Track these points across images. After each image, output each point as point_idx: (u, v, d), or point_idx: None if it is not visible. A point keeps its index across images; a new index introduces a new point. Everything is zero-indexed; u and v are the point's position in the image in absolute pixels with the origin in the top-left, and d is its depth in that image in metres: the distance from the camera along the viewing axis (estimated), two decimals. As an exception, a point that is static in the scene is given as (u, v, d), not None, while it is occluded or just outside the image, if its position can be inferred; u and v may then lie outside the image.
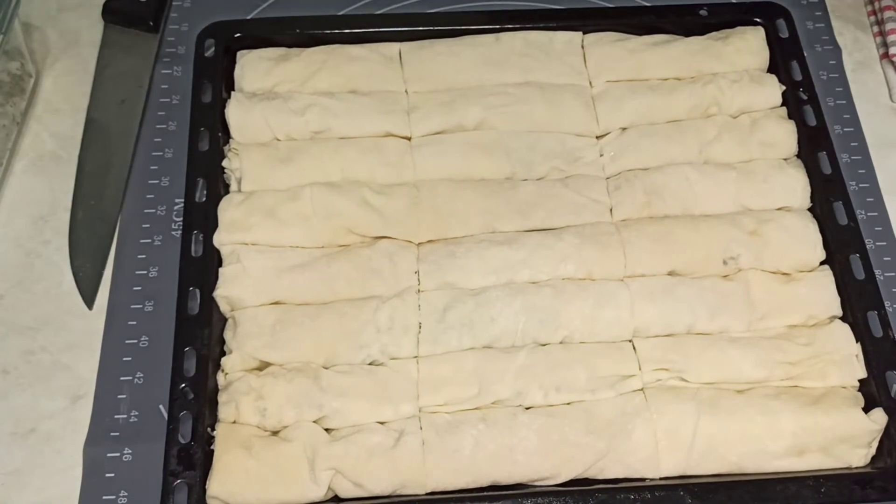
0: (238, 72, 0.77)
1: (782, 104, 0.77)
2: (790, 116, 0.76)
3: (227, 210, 0.70)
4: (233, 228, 0.69)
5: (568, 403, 0.64)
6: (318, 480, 0.61)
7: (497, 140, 0.74)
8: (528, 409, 0.64)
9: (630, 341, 0.67)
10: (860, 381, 0.66)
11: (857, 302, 0.68)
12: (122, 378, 0.68)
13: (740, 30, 0.80)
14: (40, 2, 0.85)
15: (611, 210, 0.72)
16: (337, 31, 0.79)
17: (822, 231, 0.71)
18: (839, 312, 0.68)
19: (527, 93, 0.76)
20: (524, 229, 0.71)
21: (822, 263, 0.71)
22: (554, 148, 0.74)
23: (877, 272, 0.71)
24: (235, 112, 0.74)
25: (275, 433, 0.63)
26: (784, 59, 0.78)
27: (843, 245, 0.70)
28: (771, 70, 0.79)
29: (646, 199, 0.72)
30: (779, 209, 0.72)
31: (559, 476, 0.63)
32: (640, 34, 0.80)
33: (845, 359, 0.66)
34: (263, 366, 0.66)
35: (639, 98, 0.76)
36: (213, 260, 0.69)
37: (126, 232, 0.74)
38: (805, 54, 0.79)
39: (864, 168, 0.78)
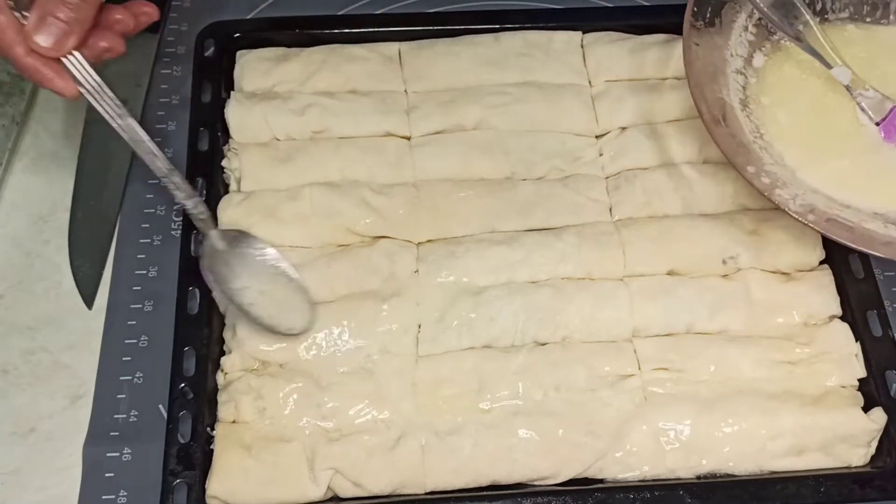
0: (237, 72, 0.77)
1: (782, 103, 0.77)
2: (790, 116, 0.76)
3: (227, 210, 0.70)
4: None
5: (567, 403, 0.64)
6: (318, 480, 0.61)
7: (497, 140, 0.74)
8: (527, 408, 0.64)
9: (629, 341, 0.67)
10: (859, 380, 0.66)
11: (856, 301, 0.68)
12: (121, 378, 0.68)
13: (739, 29, 0.80)
14: (40, 2, 0.85)
15: (610, 209, 0.72)
16: (336, 30, 0.79)
17: (821, 230, 0.71)
18: (838, 312, 0.69)
19: (526, 93, 0.76)
20: (524, 229, 0.71)
21: (821, 263, 0.71)
22: (553, 147, 0.74)
23: (876, 271, 0.70)
24: (235, 112, 0.74)
25: (274, 433, 0.63)
26: (783, 58, 0.78)
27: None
28: (770, 69, 0.79)
29: (645, 198, 0.72)
30: (778, 208, 0.72)
31: (558, 476, 0.63)
32: (639, 34, 0.80)
33: (845, 358, 0.66)
34: (263, 365, 0.66)
35: (638, 97, 0.76)
36: (213, 260, 0.69)
37: (126, 232, 0.74)
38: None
39: (863, 167, 0.78)
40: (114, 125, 0.62)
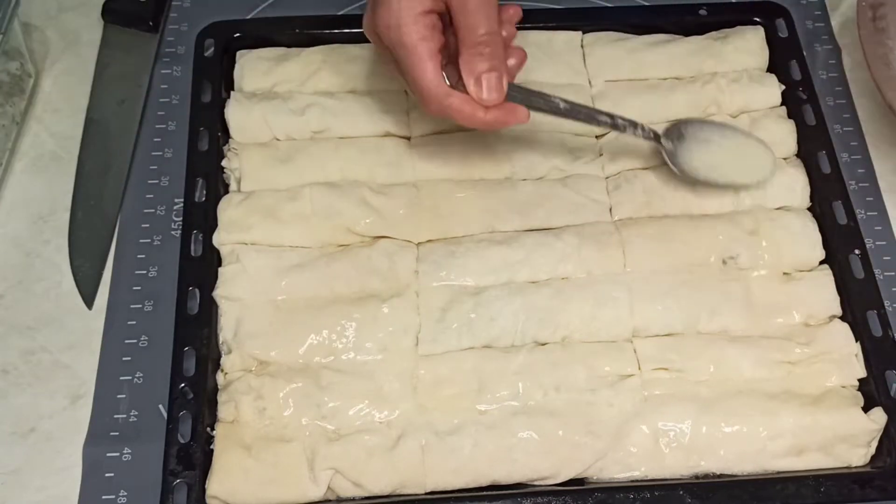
0: (237, 72, 0.77)
1: (782, 104, 0.77)
2: (790, 116, 0.76)
3: (227, 210, 0.70)
4: (232, 228, 0.69)
5: (567, 403, 0.64)
6: (318, 480, 0.61)
7: (496, 140, 0.74)
8: (527, 408, 0.64)
9: (629, 341, 0.67)
10: (859, 380, 0.66)
11: (856, 301, 0.68)
12: (121, 378, 0.68)
13: (740, 29, 0.80)
14: (40, 2, 0.85)
15: (610, 209, 0.72)
16: (336, 31, 0.79)
17: (821, 230, 0.71)
18: (839, 312, 0.68)
19: (526, 92, 0.76)
20: (523, 229, 0.71)
21: (821, 263, 0.71)
22: (553, 147, 0.74)
23: (876, 271, 0.70)
24: (235, 112, 0.74)
25: (274, 433, 0.63)
26: (783, 58, 0.78)
27: (842, 244, 0.70)
28: (770, 70, 0.79)
29: (645, 198, 0.72)
30: (778, 209, 0.72)
31: (558, 476, 0.63)
32: (639, 34, 0.80)
33: (845, 358, 0.66)
34: (263, 365, 0.66)
35: (638, 98, 0.76)
36: (213, 260, 0.69)
37: (126, 232, 0.74)
38: (804, 54, 0.79)
39: (863, 167, 0.78)
40: (558, 117, 0.66)
